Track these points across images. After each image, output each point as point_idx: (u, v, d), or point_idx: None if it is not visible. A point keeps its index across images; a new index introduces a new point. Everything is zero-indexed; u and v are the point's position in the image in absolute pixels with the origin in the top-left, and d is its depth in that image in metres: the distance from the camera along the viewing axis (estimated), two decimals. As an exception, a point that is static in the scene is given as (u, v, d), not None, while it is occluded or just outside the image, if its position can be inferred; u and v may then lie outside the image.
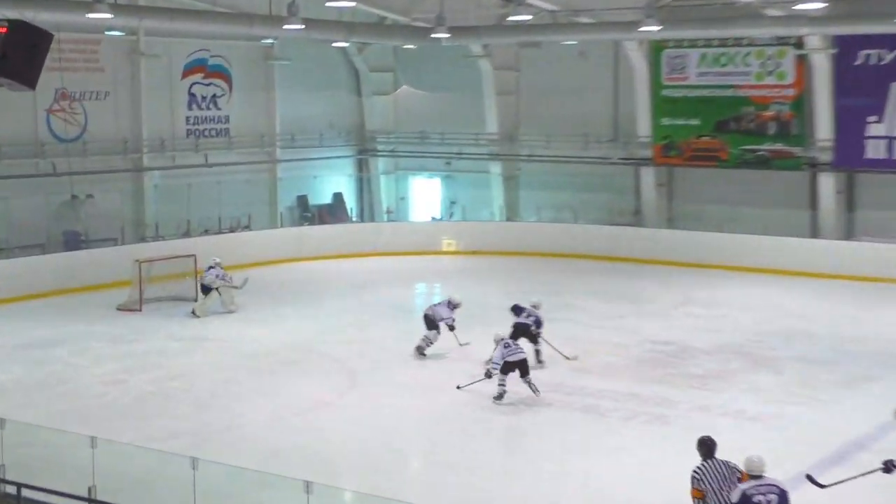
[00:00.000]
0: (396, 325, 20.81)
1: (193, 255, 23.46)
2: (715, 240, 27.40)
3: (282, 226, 30.69)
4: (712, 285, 24.88)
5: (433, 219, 33.33)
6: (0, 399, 15.71)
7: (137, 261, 22.69)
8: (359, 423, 14.55)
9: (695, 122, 28.56)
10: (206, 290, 21.86)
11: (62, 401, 15.66)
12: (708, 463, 9.19)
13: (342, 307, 22.62)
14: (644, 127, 29.42)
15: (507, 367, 15.43)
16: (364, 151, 35.07)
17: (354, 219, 33.64)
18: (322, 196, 33.49)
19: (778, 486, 8.93)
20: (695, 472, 9.13)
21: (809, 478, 10.27)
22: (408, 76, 34.02)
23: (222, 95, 30.73)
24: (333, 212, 33.31)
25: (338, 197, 34.06)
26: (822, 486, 10.32)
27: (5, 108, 25.15)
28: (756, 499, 8.79)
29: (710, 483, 9.03)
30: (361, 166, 35.31)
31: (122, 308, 22.40)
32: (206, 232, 28.77)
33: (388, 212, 34.15)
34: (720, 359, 18.03)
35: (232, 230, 29.37)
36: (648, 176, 29.66)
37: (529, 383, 15.47)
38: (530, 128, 31.86)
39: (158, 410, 15.17)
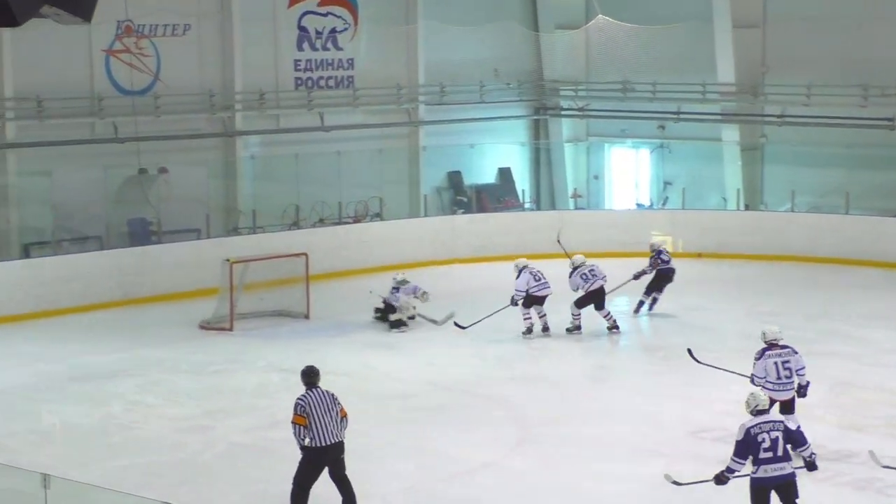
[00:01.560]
0: (587, 358, 20.69)
1: (304, 255, 23.84)
2: None
3: (426, 214, 30.94)
4: None
5: (639, 206, 33.05)
6: (44, 449, 16.27)
7: (228, 261, 23.22)
8: (533, 495, 14.50)
9: None
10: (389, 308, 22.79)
11: (124, 454, 16.07)
12: (311, 392, 13.18)
13: (510, 330, 22.60)
14: (956, 74, 28.54)
15: (530, 300, 21.51)
16: (542, 110, 35.06)
17: (528, 205, 33.67)
18: (482, 173, 33.65)
19: (783, 423, 12.54)
20: (299, 399, 13.11)
21: (689, 352, 16.87)
22: (605, 2, 33.84)
23: (345, 30, 31.21)
24: (498, 195, 33.41)
25: (504, 174, 34.15)
26: (698, 361, 16.76)
27: (52, 49, 26.08)
28: (760, 437, 12.33)
29: (313, 410, 12.99)
30: (538, 131, 35.33)
31: (207, 326, 22.96)
32: (322, 221, 29.26)
33: (576, 196, 34.04)
34: None
35: (357, 219, 29.79)
36: (962, 145, 28.75)
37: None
38: (782, 75, 31.24)
39: (255, 470, 15.41)
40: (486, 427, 17.12)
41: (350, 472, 15.27)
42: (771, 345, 15.35)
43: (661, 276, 23.63)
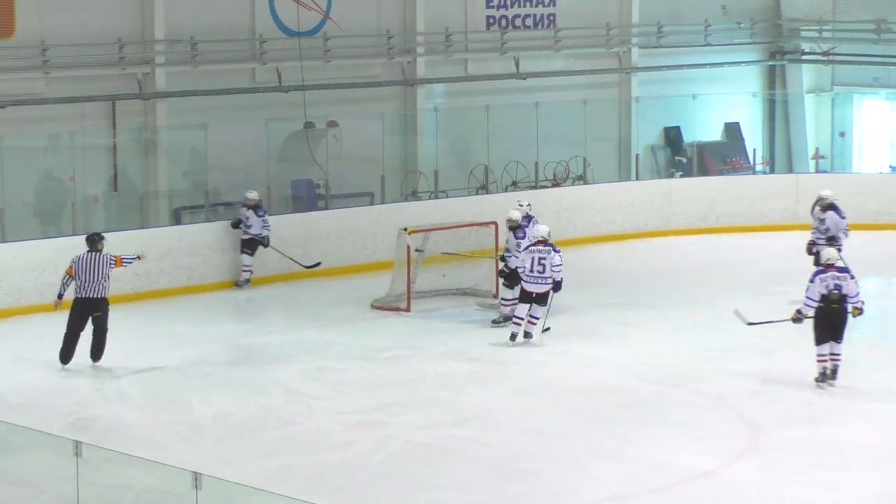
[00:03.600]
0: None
1: (494, 224, 24.02)
2: None
3: (637, 177, 30.91)
4: None
5: (894, 169, 32.55)
6: (195, 443, 16.71)
7: (405, 230, 23.45)
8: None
9: None
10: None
11: (285, 451, 16.37)
12: (87, 254, 19.26)
13: (726, 317, 22.50)
14: None
15: None
16: (779, 54, 34.72)
17: (760, 168, 33.40)
18: (706, 129, 33.51)
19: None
20: (73, 259, 19.28)
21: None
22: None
23: (546, -41, 31.30)
24: (725, 155, 33.25)
25: (733, 130, 33.95)
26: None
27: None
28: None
29: (81, 267, 19.16)
30: (774, 79, 35.01)
31: (381, 306, 23.26)
32: (515, 185, 29.40)
33: (818, 157, 33.68)
34: None
35: (556, 183, 29.85)
36: None
37: None
38: None
39: (435, 474, 15.60)
40: (702, 428, 17.10)
41: (541, 474, 15.43)
42: (537, 242, 20.44)
43: None
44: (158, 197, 26.63)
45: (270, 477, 15.14)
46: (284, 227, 25.62)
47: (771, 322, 19.66)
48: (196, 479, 11.66)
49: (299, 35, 27.60)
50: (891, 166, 32.92)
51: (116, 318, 19.72)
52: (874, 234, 28.27)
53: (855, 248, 24.21)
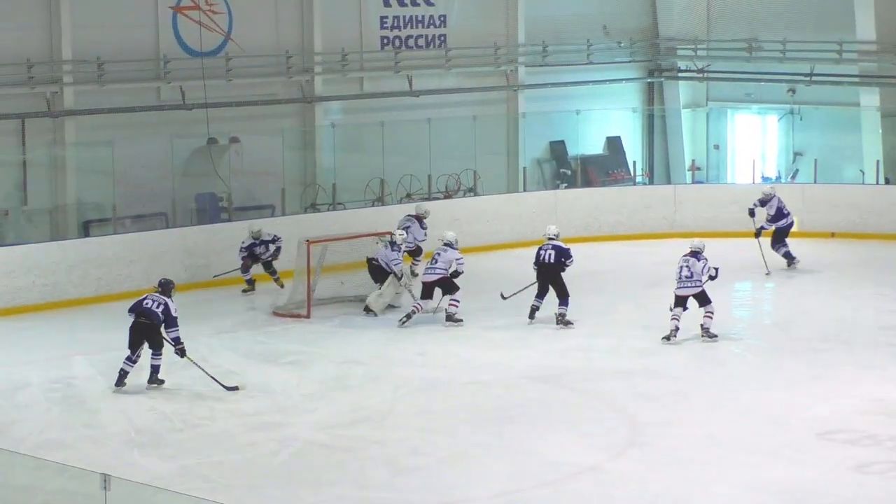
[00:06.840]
0: (705, 349, 20.78)
1: (389, 234, 23.98)
2: None
3: (525, 189, 31.06)
4: None
5: (765, 180, 32.94)
6: (102, 447, 16.61)
7: (306, 241, 23.45)
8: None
9: None
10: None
11: (190, 452, 16.33)
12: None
13: (611, 318, 22.82)
14: None
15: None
16: (657, 72, 35.03)
17: (640, 179, 33.68)
18: (589, 143, 33.71)
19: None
20: None
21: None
22: (729, -50, 33.82)
23: (437, -17, 31.43)
24: (607, 167, 33.46)
25: (614, 144, 34.17)
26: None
27: (114, 7, 26.57)
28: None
29: None
30: (652, 96, 35.30)
31: (282, 312, 23.24)
32: (409, 197, 29.45)
33: (694, 168, 34.00)
34: None
35: (448, 195, 29.94)
36: None
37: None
38: (930, 32, 31.04)
39: (333, 471, 15.63)
40: (587, 425, 17.23)
41: (433, 470, 15.50)
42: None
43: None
44: (67, 210, 26.43)
45: (178, 475, 15.12)
46: (190, 238, 25.60)
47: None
48: (105, 481, 11.64)
49: (202, 55, 27.50)
50: (763, 177, 33.27)
51: (26, 327, 19.55)
52: (746, 241, 28.57)
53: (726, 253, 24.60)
